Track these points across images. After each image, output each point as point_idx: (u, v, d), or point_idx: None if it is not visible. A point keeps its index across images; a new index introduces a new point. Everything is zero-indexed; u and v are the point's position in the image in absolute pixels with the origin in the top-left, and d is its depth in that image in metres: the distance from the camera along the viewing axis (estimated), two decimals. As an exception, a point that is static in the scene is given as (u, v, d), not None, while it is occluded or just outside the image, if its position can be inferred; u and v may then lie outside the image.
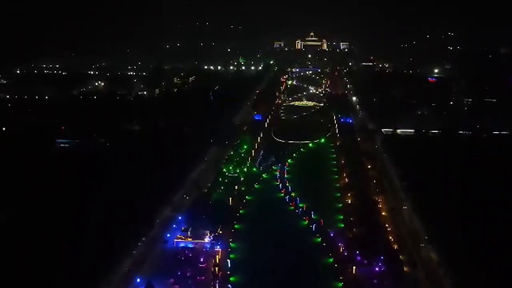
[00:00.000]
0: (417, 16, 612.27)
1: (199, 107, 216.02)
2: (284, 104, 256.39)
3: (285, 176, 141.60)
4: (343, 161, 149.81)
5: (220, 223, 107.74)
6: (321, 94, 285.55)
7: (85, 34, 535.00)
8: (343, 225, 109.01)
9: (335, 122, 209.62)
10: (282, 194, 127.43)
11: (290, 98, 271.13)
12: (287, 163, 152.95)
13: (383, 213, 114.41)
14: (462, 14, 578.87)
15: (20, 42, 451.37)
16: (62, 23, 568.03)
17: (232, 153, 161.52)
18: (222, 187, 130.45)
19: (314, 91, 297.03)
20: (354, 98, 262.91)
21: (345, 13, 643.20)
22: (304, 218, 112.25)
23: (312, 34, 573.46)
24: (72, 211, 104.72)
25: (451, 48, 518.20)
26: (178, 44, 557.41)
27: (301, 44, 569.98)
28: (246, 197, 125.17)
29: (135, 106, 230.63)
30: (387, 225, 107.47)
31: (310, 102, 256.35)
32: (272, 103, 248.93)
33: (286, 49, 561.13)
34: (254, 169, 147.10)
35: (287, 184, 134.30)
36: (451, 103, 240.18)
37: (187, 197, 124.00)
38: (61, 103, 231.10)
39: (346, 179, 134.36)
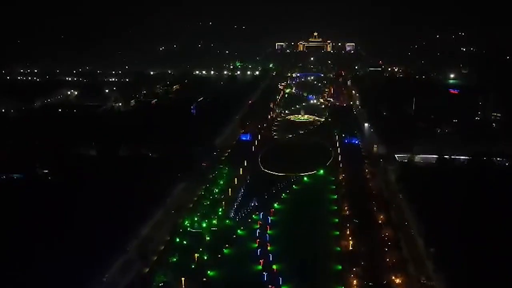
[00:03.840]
0: (425, 16, 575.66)
1: (176, 124, 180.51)
2: (278, 119, 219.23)
3: (268, 232, 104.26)
4: (346, 208, 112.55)
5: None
6: (323, 106, 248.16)
7: (78, 33, 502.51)
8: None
9: (337, 144, 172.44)
10: (260, 267, 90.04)
11: (286, 111, 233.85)
12: (272, 210, 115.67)
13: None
14: (470, 14, 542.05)
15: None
16: (55, 21, 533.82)
17: (203, 192, 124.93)
18: (176, 256, 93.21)
19: (315, 101, 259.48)
20: (360, 111, 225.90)
21: (351, 13, 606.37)
22: (287, 316, 75.29)
23: (316, 34, 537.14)
24: None
25: (464, 49, 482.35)
26: (175, 46, 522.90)
27: (304, 45, 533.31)
28: (208, 272, 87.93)
29: (101, 123, 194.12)
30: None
31: (309, 116, 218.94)
32: (265, 118, 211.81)
33: (288, 50, 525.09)
34: (227, 221, 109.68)
35: (268, 248, 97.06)
36: (477, 118, 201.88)
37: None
38: (12, 120, 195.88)
39: (350, 241, 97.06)
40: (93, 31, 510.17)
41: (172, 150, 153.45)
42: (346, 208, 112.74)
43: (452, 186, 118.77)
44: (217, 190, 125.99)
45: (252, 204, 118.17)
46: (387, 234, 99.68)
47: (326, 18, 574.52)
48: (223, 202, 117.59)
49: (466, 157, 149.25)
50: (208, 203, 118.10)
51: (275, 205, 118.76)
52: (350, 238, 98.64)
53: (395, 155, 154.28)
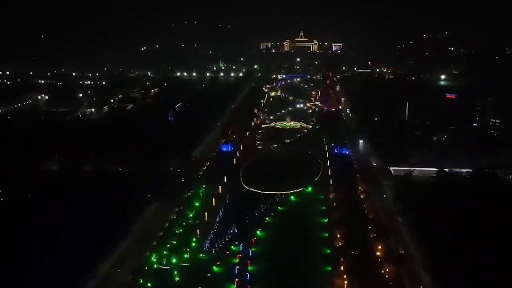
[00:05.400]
0: (411, 15, 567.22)
1: (151, 133, 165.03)
2: (263, 126, 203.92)
3: (248, 268, 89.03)
4: (339, 237, 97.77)
5: None
6: (310, 110, 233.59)
7: (57, 34, 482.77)
8: None
9: (327, 154, 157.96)
10: (238, 318, 75.00)
11: (271, 117, 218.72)
12: (254, 239, 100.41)
13: None
14: (456, 13, 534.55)
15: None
16: (33, 21, 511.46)
17: (175, 217, 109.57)
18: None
19: (302, 105, 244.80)
20: (350, 117, 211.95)
21: (336, 12, 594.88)
22: None
23: (302, 34, 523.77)
24: None
25: (452, 48, 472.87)
26: (157, 46, 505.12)
27: (289, 45, 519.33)
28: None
29: (68, 132, 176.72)
30: None
31: (295, 122, 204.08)
32: (248, 125, 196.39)
33: (273, 50, 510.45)
34: (202, 254, 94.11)
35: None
36: (475, 124, 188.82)
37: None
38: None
39: (345, 280, 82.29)
40: (73, 31, 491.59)
41: (144, 165, 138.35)
42: (338, 236, 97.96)
43: (457, 207, 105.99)
44: (191, 215, 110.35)
45: (231, 231, 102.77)
46: (387, 270, 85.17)
47: (313, 17, 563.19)
48: (198, 230, 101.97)
49: (468, 170, 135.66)
50: (181, 230, 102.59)
51: (258, 232, 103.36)
52: (344, 275, 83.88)
53: (390, 168, 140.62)
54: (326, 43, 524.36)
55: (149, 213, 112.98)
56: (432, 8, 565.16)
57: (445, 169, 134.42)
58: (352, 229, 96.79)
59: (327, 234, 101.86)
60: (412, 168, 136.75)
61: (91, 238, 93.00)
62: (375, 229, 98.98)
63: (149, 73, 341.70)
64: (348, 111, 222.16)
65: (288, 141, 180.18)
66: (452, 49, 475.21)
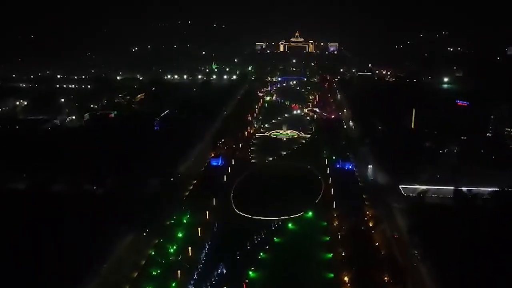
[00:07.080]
0: (407, 14, 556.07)
1: (135, 144, 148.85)
2: (257, 135, 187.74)
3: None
4: (346, 280, 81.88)
5: None
6: (308, 117, 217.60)
7: (45, 33, 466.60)
8: None
9: (327, 170, 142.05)
10: None
11: (266, 125, 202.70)
12: (246, 281, 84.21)
13: None
14: (451, 13, 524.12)
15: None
16: (19, 20, 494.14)
17: (153, 252, 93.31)
18: None
19: (299, 111, 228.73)
20: (352, 126, 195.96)
21: (331, 11, 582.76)
22: None
23: (298, 34, 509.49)
24: None
25: (451, 49, 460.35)
26: (149, 46, 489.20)
27: (285, 45, 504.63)
28: None
29: (42, 144, 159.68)
30: None
31: (292, 131, 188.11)
32: (241, 135, 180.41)
33: (268, 51, 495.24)
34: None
35: None
36: (488, 134, 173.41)
37: None
38: None
39: None
40: (61, 31, 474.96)
41: (122, 184, 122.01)
42: (346, 279, 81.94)
43: (484, 236, 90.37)
44: (172, 249, 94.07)
45: (219, 271, 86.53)
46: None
47: (308, 17, 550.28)
48: (179, 271, 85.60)
49: (489, 189, 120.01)
50: (159, 271, 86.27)
51: (250, 272, 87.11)
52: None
53: (400, 187, 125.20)
54: (322, 43, 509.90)
55: (123, 247, 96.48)
56: (428, 7, 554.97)
57: (462, 188, 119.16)
58: (362, 271, 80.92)
59: (332, 275, 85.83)
60: (426, 187, 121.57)
61: (52, 281, 77.27)
62: (389, 269, 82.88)
63: (138, 75, 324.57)
64: (348, 119, 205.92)
65: (285, 153, 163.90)
66: (451, 49, 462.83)
